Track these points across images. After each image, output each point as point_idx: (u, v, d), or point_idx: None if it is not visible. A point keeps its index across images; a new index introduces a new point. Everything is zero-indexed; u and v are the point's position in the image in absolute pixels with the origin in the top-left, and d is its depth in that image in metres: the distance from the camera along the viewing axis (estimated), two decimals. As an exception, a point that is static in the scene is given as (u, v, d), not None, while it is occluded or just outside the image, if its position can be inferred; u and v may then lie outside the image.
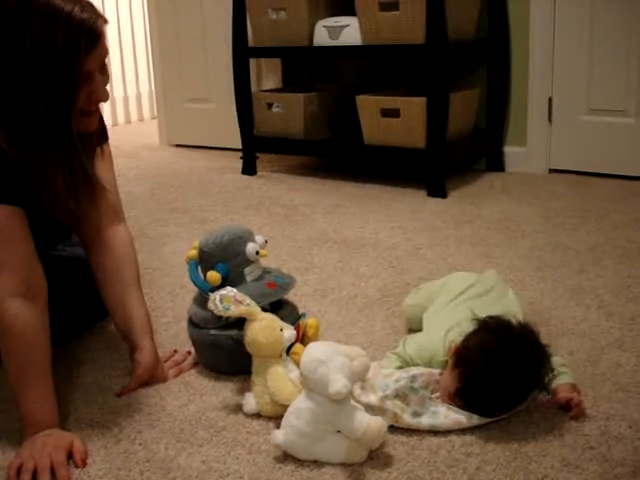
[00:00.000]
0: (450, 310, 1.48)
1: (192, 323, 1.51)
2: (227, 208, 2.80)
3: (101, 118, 1.38)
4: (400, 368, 1.36)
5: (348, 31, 2.95)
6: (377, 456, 1.18)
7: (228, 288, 1.36)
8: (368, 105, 2.98)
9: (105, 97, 1.27)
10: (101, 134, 1.46)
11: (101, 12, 1.22)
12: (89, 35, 1.18)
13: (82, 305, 1.65)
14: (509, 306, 1.51)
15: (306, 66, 3.71)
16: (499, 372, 1.21)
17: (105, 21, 1.21)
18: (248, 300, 1.35)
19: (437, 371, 1.32)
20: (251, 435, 1.26)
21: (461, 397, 1.25)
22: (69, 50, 1.16)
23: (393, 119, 2.90)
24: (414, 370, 1.31)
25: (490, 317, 1.33)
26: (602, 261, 2.06)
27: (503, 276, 1.91)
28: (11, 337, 1.23)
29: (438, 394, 1.30)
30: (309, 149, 3.29)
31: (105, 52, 1.23)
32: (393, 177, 3.13)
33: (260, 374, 1.32)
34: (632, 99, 2.92)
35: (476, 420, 1.25)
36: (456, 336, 1.34)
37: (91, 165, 1.37)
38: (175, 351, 1.57)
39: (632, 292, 1.83)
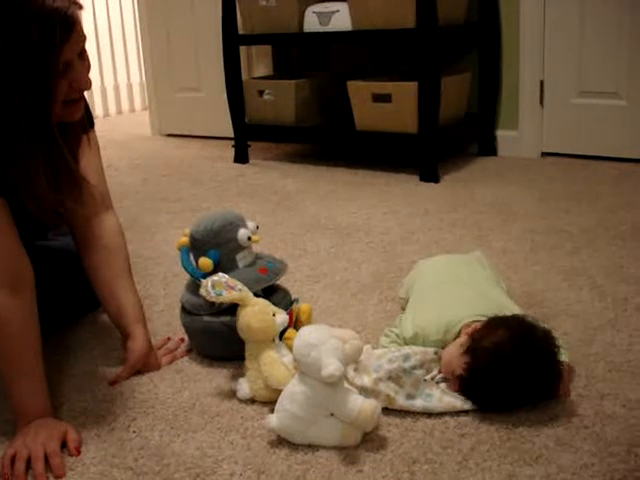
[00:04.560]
0: (443, 291, 1.48)
1: (184, 310, 1.50)
2: (219, 196, 2.79)
3: (86, 105, 1.36)
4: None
5: (338, 16, 2.93)
6: (371, 438, 1.18)
7: (220, 274, 1.36)
8: (359, 90, 2.97)
9: (87, 84, 1.23)
10: (86, 121, 1.44)
11: None
12: (63, 24, 1.13)
13: (74, 295, 1.64)
14: (497, 286, 1.52)
15: (297, 53, 3.70)
16: (507, 379, 1.19)
17: (80, 7, 1.17)
18: (240, 286, 1.34)
19: (431, 350, 1.32)
20: (245, 420, 1.26)
21: (461, 384, 1.25)
22: (44, 42, 1.12)
23: (385, 104, 2.89)
24: (407, 349, 1.30)
25: (516, 316, 1.31)
26: (595, 243, 2.06)
27: (496, 259, 1.91)
28: None
29: (434, 374, 1.30)
30: (301, 136, 3.29)
31: (82, 39, 1.19)
32: (385, 162, 3.12)
33: (253, 359, 1.31)
34: (623, 81, 2.91)
35: (469, 405, 1.25)
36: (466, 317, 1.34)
37: (75, 159, 1.34)
38: (168, 338, 1.57)
39: (624, 273, 1.83)
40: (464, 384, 1.24)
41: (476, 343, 1.25)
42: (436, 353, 1.32)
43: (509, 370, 1.19)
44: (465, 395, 1.25)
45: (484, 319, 1.31)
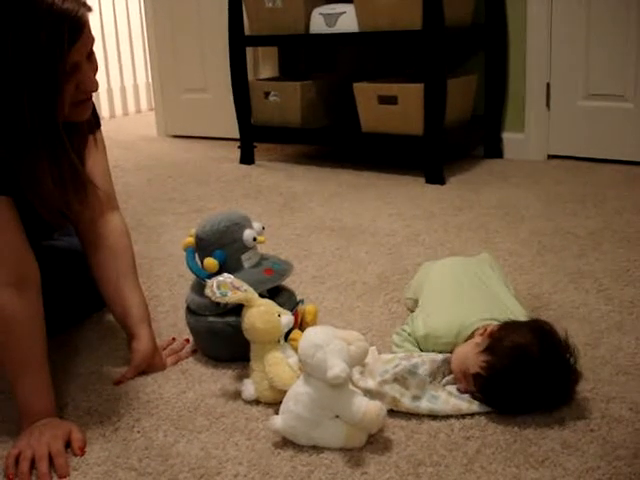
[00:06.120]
0: (454, 293, 1.47)
1: (190, 310, 1.50)
2: (225, 197, 2.79)
3: (93, 105, 1.36)
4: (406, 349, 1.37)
5: (345, 18, 2.93)
6: (376, 440, 1.18)
7: (225, 275, 1.36)
8: (365, 92, 2.96)
9: (94, 86, 1.23)
10: (93, 122, 1.44)
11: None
12: (72, 26, 1.14)
13: (79, 295, 1.64)
14: (506, 289, 1.51)
15: (303, 54, 3.70)
16: (527, 381, 1.19)
17: (89, 9, 1.17)
18: (245, 286, 1.34)
19: (440, 357, 1.31)
20: (250, 421, 1.26)
21: (477, 383, 1.23)
22: (53, 44, 1.12)
23: (391, 106, 2.89)
24: (416, 358, 1.28)
25: (536, 320, 1.31)
26: (601, 245, 2.06)
27: (503, 261, 1.91)
28: (2, 327, 1.22)
29: (441, 380, 1.29)
30: (307, 137, 3.28)
31: (91, 41, 1.19)
32: (391, 164, 3.12)
33: (258, 360, 1.31)
34: (630, 83, 2.90)
35: (476, 407, 1.24)
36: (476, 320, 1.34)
37: (81, 160, 1.34)
38: (173, 339, 1.57)
39: (631, 276, 1.83)
40: (480, 383, 1.23)
41: (496, 342, 1.23)
42: (445, 361, 1.30)
43: (532, 371, 1.19)
44: (479, 394, 1.24)
45: (496, 322, 1.30)
